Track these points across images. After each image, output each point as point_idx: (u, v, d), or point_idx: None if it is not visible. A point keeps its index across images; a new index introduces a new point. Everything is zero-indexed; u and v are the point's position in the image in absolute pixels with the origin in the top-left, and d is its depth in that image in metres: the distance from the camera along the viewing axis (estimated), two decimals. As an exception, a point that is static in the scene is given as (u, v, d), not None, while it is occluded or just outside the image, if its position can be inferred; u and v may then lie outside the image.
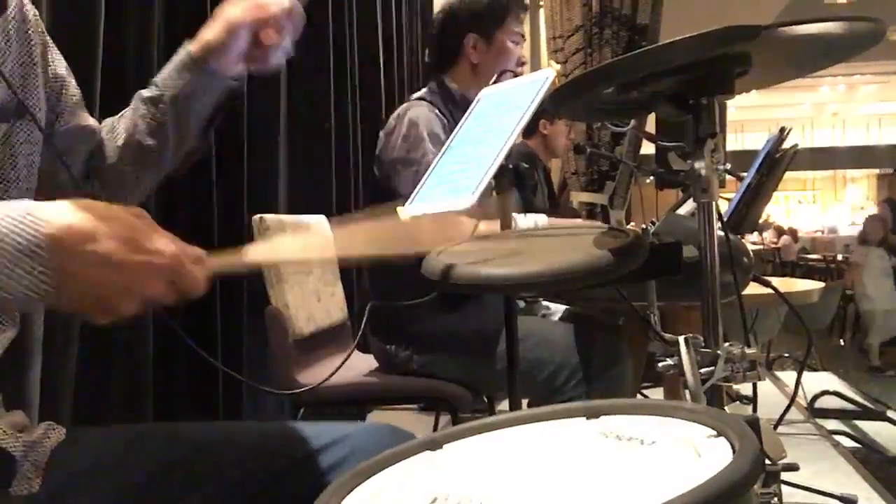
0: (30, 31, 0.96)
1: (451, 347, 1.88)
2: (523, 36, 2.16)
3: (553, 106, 1.10)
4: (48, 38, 1.01)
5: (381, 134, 2.00)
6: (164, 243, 0.70)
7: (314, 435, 0.92)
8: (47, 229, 0.66)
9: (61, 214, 0.67)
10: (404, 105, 2.02)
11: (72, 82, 1.05)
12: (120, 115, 1.09)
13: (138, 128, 1.06)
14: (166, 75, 1.06)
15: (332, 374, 1.42)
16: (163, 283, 0.70)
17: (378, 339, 1.97)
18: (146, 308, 0.70)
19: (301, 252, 0.97)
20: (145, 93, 1.07)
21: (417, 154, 1.86)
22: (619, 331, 1.99)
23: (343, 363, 1.44)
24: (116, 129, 1.08)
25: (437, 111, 1.97)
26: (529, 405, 2.54)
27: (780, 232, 16.14)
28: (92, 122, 1.08)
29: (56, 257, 0.66)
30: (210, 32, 1.04)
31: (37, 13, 1.00)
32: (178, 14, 2.03)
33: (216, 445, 0.90)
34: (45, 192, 0.94)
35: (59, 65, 1.03)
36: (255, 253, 0.83)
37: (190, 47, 1.05)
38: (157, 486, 0.85)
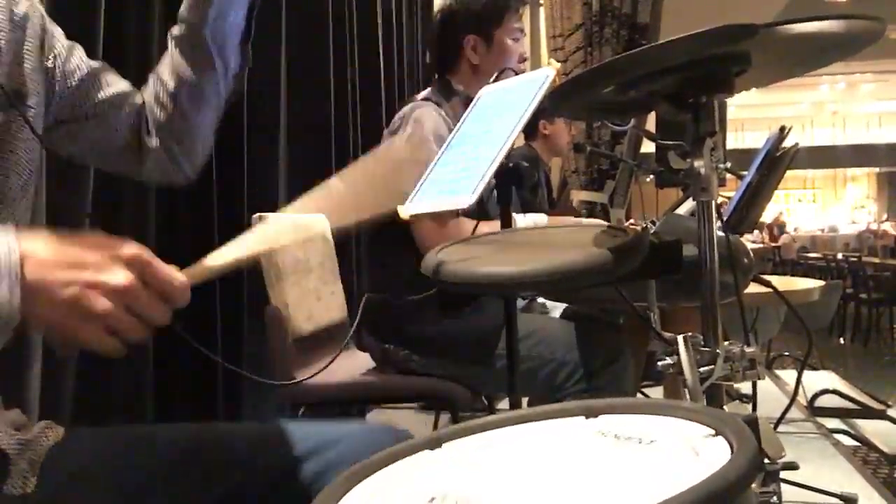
0: (16, 20, 0.95)
1: (450, 349, 1.88)
2: (523, 31, 2.16)
3: (553, 104, 1.10)
4: (48, 24, 1.01)
5: (386, 133, 2.00)
6: (132, 271, 0.70)
7: (313, 435, 0.92)
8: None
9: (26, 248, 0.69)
10: (409, 105, 2.01)
11: (78, 55, 1.05)
12: (160, 64, 1.09)
13: (183, 68, 1.06)
14: (190, 5, 1.05)
15: (329, 363, 1.42)
16: (120, 307, 0.69)
17: (376, 338, 1.97)
18: (115, 340, 0.71)
19: (268, 242, 0.93)
20: (176, 31, 1.07)
21: (420, 155, 1.86)
22: (619, 327, 1.98)
23: (338, 354, 1.44)
24: (162, 78, 1.08)
25: (442, 113, 1.97)
26: (530, 404, 2.54)
27: (769, 229, 16.13)
28: (124, 85, 1.09)
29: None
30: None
31: (38, 12, 0.99)
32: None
33: (214, 447, 0.90)
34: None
35: (61, 45, 1.03)
36: (220, 256, 0.80)
37: None
38: (154, 487, 0.85)
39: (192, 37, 1.05)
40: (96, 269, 0.68)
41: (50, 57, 1.00)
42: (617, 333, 1.95)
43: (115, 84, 1.08)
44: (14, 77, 0.93)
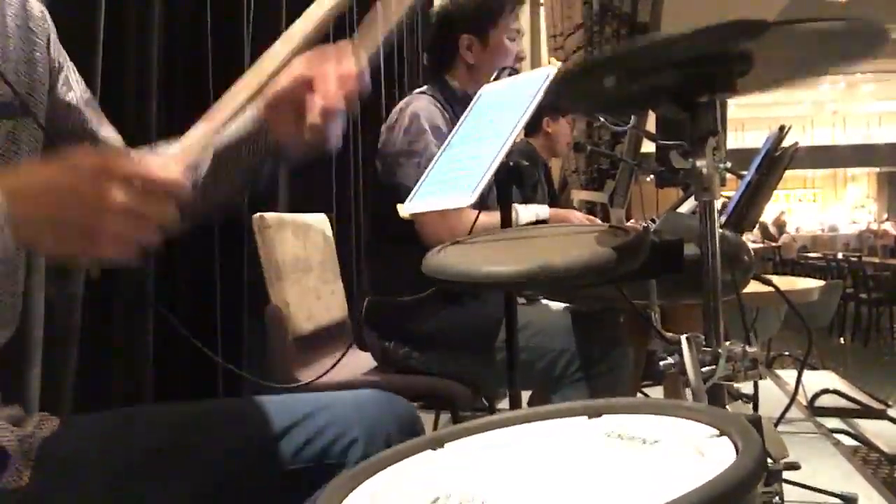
0: (31, 26, 0.96)
1: (450, 344, 1.88)
2: (520, 31, 2.16)
3: (554, 98, 1.10)
4: (54, 34, 1.01)
5: (383, 128, 2.01)
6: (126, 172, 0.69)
7: (301, 402, 0.93)
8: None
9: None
10: (406, 99, 2.02)
11: (74, 78, 1.03)
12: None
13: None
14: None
15: (332, 367, 1.42)
16: (119, 218, 0.68)
17: (376, 336, 1.97)
18: (129, 248, 0.69)
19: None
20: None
21: (419, 146, 1.86)
22: (618, 321, 1.98)
23: (342, 357, 1.44)
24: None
25: (438, 104, 1.98)
26: (530, 403, 2.54)
27: (762, 228, 16.13)
28: (111, 135, 1.06)
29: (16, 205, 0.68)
30: (279, 84, 0.96)
31: (44, 9, 0.99)
32: (178, 14, 2.03)
33: (203, 422, 0.91)
34: None
35: (63, 60, 1.02)
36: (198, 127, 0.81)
37: (259, 106, 0.99)
38: (148, 467, 0.85)
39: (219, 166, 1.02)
40: (82, 188, 0.68)
41: (55, 58, 1.00)
42: (614, 325, 1.95)
43: (107, 129, 1.07)
44: (24, 78, 0.93)
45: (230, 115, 0.81)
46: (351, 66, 0.93)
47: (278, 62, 0.83)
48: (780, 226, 19.14)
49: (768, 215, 19.57)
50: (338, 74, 0.92)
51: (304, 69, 0.93)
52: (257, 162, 1.02)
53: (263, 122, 0.98)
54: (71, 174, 0.69)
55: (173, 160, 0.75)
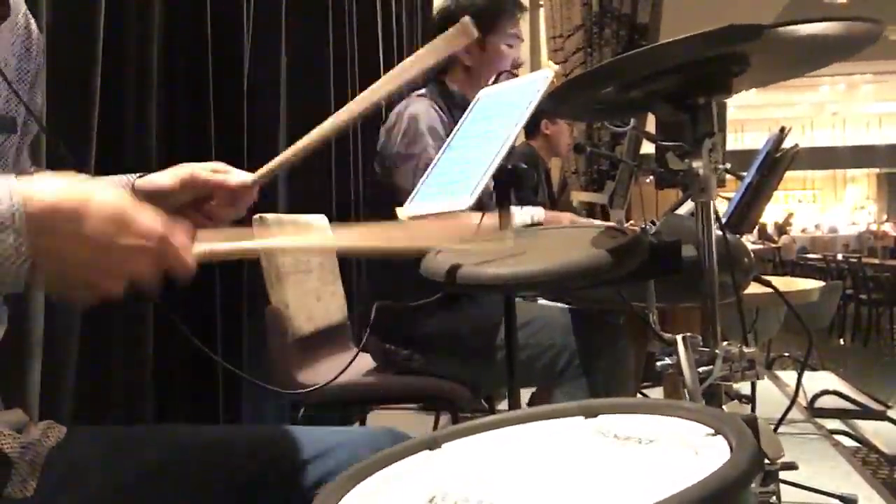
0: (32, 49, 0.96)
1: (450, 345, 1.88)
2: (519, 37, 2.16)
3: (553, 105, 1.10)
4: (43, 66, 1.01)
5: (382, 130, 2.01)
6: (151, 224, 0.70)
7: (312, 440, 0.92)
8: (29, 207, 0.65)
9: (46, 191, 0.67)
10: (404, 101, 2.03)
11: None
12: None
13: None
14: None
15: (337, 376, 1.42)
16: (148, 264, 0.69)
17: (376, 338, 1.97)
18: (131, 286, 0.70)
19: (300, 240, 0.94)
20: None
21: (417, 148, 1.87)
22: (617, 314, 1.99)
23: (349, 365, 1.44)
24: None
25: (436, 107, 1.98)
26: (530, 404, 2.54)
27: (761, 230, 16.13)
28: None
29: (37, 233, 0.65)
30: (163, 177, 0.98)
31: (40, 35, 1.00)
32: (178, 14, 2.04)
33: (211, 449, 0.90)
34: None
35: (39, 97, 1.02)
36: (254, 238, 0.81)
37: (136, 178, 1.00)
38: (150, 488, 0.84)
39: None
40: (115, 255, 0.68)
41: (38, 82, 1.00)
42: (614, 318, 1.95)
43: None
44: (25, 95, 0.93)
45: (265, 249, 0.84)
46: (245, 180, 0.96)
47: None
48: (780, 227, 19.13)
49: (775, 217, 19.62)
50: (233, 186, 0.96)
51: (196, 173, 0.96)
52: None
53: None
54: (122, 232, 0.68)
55: (200, 249, 0.75)
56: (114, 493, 0.83)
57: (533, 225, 2.12)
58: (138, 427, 0.97)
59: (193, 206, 0.97)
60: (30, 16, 0.97)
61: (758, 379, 1.01)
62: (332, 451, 0.90)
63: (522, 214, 2.05)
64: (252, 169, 0.98)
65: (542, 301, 2.18)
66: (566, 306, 1.92)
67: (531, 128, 3.50)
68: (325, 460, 0.89)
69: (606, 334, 1.86)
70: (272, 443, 0.92)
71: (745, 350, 0.98)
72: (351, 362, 1.44)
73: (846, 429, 3.36)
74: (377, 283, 2.02)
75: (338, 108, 0.97)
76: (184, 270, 0.72)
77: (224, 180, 0.96)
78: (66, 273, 0.68)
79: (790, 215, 20.76)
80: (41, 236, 0.66)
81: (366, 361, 2.02)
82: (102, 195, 0.69)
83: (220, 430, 0.98)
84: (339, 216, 2.95)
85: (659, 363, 1.01)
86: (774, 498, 0.93)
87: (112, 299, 0.70)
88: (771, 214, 19.07)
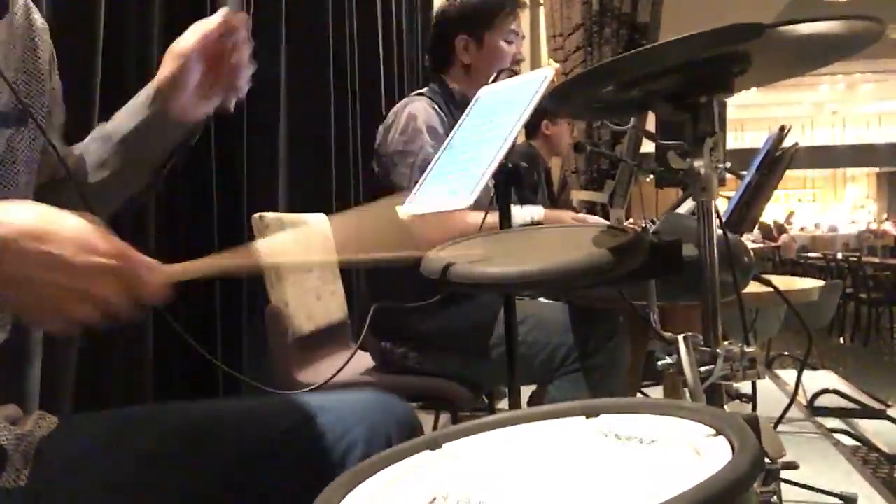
0: (36, 39, 0.96)
1: (447, 343, 1.88)
2: (518, 34, 2.16)
3: (553, 105, 1.10)
4: (53, 53, 1.01)
5: (380, 129, 2.01)
6: (116, 245, 0.70)
7: (301, 404, 0.93)
8: None
9: (10, 216, 0.68)
10: (403, 100, 2.03)
11: (60, 103, 1.03)
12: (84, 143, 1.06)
13: (87, 162, 1.03)
14: (122, 114, 1.03)
15: (335, 374, 1.42)
16: (114, 285, 0.69)
17: (374, 336, 1.97)
18: (103, 317, 0.70)
19: (288, 254, 0.94)
20: (99, 128, 1.04)
21: (415, 146, 1.87)
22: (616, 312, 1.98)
23: (346, 364, 1.44)
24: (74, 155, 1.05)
25: (435, 106, 1.98)
26: (530, 403, 2.54)
27: (765, 230, 16.14)
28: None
29: (1, 255, 0.66)
30: (163, 68, 0.98)
31: (45, 23, 0.99)
32: (178, 14, 2.03)
33: (205, 424, 0.91)
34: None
35: (58, 83, 1.02)
36: (231, 257, 0.80)
37: (149, 88, 1.00)
38: (146, 469, 0.85)
39: (106, 141, 1.02)
40: (80, 275, 0.68)
41: (53, 76, 1.00)
42: (612, 317, 1.95)
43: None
44: (25, 88, 0.93)
45: (239, 264, 0.81)
46: (237, 19, 0.97)
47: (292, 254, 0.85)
48: (780, 226, 19.14)
49: (778, 217, 19.63)
50: (225, 26, 0.97)
51: (185, 47, 0.97)
52: (163, 147, 1.03)
53: (155, 108, 0.99)
54: (80, 253, 0.68)
55: (169, 271, 0.74)
56: (113, 478, 0.83)
57: (532, 224, 2.12)
58: (130, 410, 0.98)
59: (208, 75, 0.97)
60: (31, 7, 0.97)
61: (759, 378, 1.01)
62: (326, 411, 0.92)
63: (522, 213, 2.05)
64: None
65: (541, 300, 2.18)
66: (564, 304, 1.92)
67: (531, 127, 3.50)
68: (319, 421, 0.91)
69: (603, 329, 1.86)
70: (261, 411, 0.94)
71: (747, 349, 0.97)
72: (347, 362, 1.43)
73: (846, 428, 3.36)
74: (376, 283, 2.02)
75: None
76: (153, 292, 0.72)
77: (204, 35, 0.97)
78: (34, 297, 0.68)
79: (791, 214, 20.77)
80: (5, 257, 0.66)
81: (365, 361, 2.02)
82: (67, 220, 0.69)
83: (210, 405, 0.99)
84: (339, 216, 2.94)
85: (660, 362, 1.01)
86: (775, 497, 0.93)
87: (87, 326, 0.70)
88: (772, 214, 19.09)
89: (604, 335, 1.84)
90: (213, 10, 2.26)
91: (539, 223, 2.15)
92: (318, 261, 0.81)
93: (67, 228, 0.69)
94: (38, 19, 0.98)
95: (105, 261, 0.69)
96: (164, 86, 0.98)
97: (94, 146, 1.03)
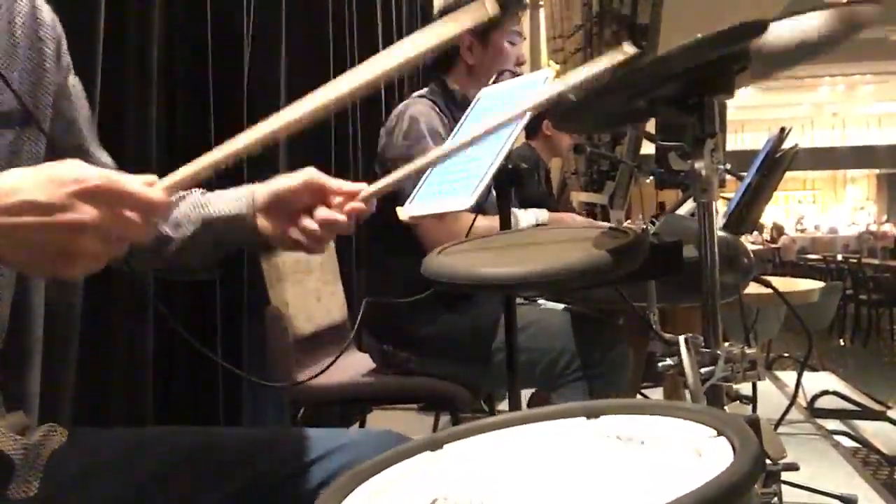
0: (41, 34, 0.95)
1: (448, 347, 1.88)
2: (521, 34, 2.16)
3: (560, 124, 1.10)
4: (64, 42, 0.99)
5: (382, 132, 2.01)
6: (91, 172, 0.66)
7: (314, 441, 0.92)
8: None
9: None
10: (405, 102, 2.02)
11: (80, 94, 1.02)
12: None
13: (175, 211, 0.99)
14: (224, 194, 0.99)
15: (330, 364, 1.42)
16: (103, 208, 0.65)
17: (375, 339, 1.97)
18: (109, 244, 0.66)
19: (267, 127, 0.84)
20: (202, 194, 1.01)
21: (419, 150, 1.86)
22: (618, 325, 1.99)
23: (340, 354, 1.44)
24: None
25: (437, 108, 1.98)
26: (530, 404, 2.54)
27: (778, 230, 16.17)
28: (105, 159, 1.04)
29: None
30: (286, 181, 0.95)
31: (55, 17, 0.99)
32: (178, 14, 2.03)
33: (215, 451, 0.90)
34: None
35: (72, 74, 1.01)
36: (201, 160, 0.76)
37: (257, 192, 0.97)
38: (155, 490, 0.84)
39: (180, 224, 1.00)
40: (59, 209, 0.64)
41: (64, 67, 1.00)
42: (614, 325, 1.95)
43: (101, 152, 1.05)
44: (30, 87, 0.92)
45: (231, 155, 0.77)
46: (360, 187, 0.92)
47: (298, 116, 0.79)
48: (780, 227, 19.15)
49: (784, 220, 19.66)
50: (347, 190, 0.92)
51: (316, 175, 0.93)
52: (236, 245, 1.01)
53: (253, 212, 0.96)
54: (49, 189, 0.65)
55: (162, 183, 0.70)
56: (120, 497, 0.83)
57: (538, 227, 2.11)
58: (141, 430, 0.97)
59: (309, 211, 0.93)
60: (37, 4, 0.96)
61: (759, 380, 1.01)
62: (333, 453, 0.90)
63: (527, 217, 2.05)
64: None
65: (541, 304, 2.18)
66: (566, 311, 1.92)
67: (531, 128, 3.50)
68: (326, 462, 0.89)
69: (606, 338, 1.86)
70: (274, 445, 0.92)
71: (747, 351, 0.98)
72: (341, 353, 1.43)
73: (846, 429, 3.36)
74: (375, 284, 2.02)
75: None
76: (151, 203, 0.68)
77: (340, 184, 0.93)
78: (25, 249, 0.65)
79: (801, 218, 20.81)
80: None
81: (365, 362, 2.02)
82: (36, 169, 0.67)
83: (221, 433, 0.98)
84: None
85: (660, 364, 1.01)
86: (776, 498, 0.93)
87: (101, 259, 0.67)
88: (775, 215, 19.13)
89: (606, 344, 1.84)
90: (213, 11, 2.26)
91: (544, 226, 2.14)
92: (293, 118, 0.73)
93: (35, 174, 0.66)
94: (47, 14, 0.97)
95: (81, 187, 0.65)
96: (277, 196, 0.95)
97: (190, 201, 1.00)
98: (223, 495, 0.86)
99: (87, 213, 0.65)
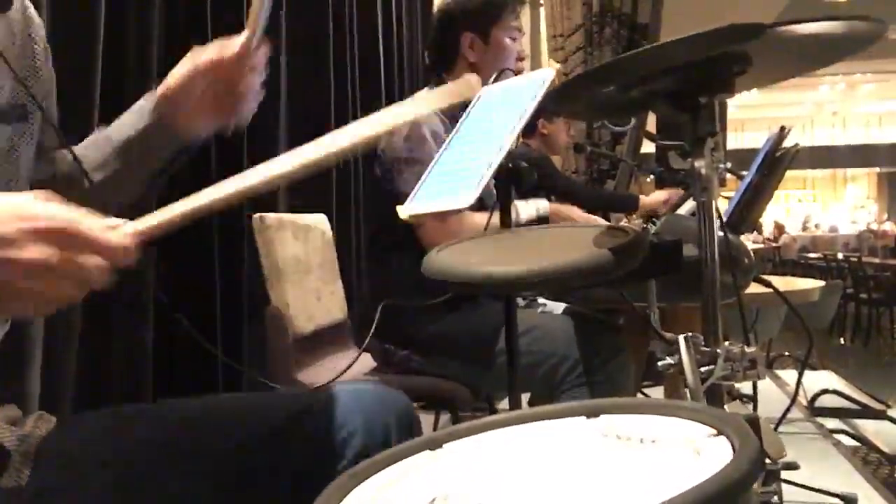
0: (32, 34, 0.96)
1: (450, 348, 1.88)
2: (521, 30, 2.15)
3: (554, 105, 1.10)
4: (48, 49, 1.01)
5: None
6: (58, 211, 0.64)
7: (302, 397, 0.93)
8: None
9: None
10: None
11: (53, 99, 1.02)
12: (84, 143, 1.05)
13: (85, 163, 1.00)
14: (124, 118, 1.01)
15: (341, 373, 1.42)
16: (67, 251, 0.63)
17: (375, 338, 1.96)
18: (68, 287, 0.64)
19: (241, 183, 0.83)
20: (99, 130, 1.03)
21: (420, 154, 1.86)
22: (619, 327, 1.99)
23: (353, 363, 1.44)
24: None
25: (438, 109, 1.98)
26: (530, 404, 2.53)
27: (780, 228, 16.18)
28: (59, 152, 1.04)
29: None
30: (171, 76, 0.97)
31: (41, 22, 0.99)
32: (178, 14, 2.03)
33: (203, 417, 0.91)
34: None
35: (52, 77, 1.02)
36: (174, 207, 0.74)
37: (152, 94, 0.99)
38: (147, 461, 0.85)
39: (104, 146, 1.01)
40: (7, 244, 0.61)
41: (49, 67, 1.00)
42: (616, 332, 1.95)
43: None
44: (29, 84, 0.93)
45: (209, 205, 0.75)
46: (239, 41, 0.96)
47: (277, 173, 0.78)
48: (780, 227, 19.14)
49: (785, 218, 19.67)
50: (230, 53, 0.96)
51: (198, 56, 0.96)
52: (166, 153, 1.02)
53: (158, 116, 0.98)
54: (5, 221, 0.62)
55: (127, 228, 0.68)
56: (113, 475, 0.83)
57: (540, 219, 2.11)
58: (128, 406, 0.97)
59: (215, 94, 0.97)
60: (27, 2, 0.97)
61: (759, 379, 1.01)
62: (319, 405, 0.91)
63: (528, 208, 2.04)
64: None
65: (543, 305, 2.18)
66: (568, 316, 1.92)
67: (528, 126, 3.50)
68: (314, 413, 0.90)
69: (609, 345, 1.86)
70: (262, 406, 0.93)
71: (747, 350, 0.98)
72: (351, 364, 1.44)
73: (846, 428, 3.36)
74: (377, 285, 2.02)
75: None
76: (115, 250, 0.65)
77: (221, 53, 0.96)
78: None
79: (807, 218, 20.83)
80: None
81: (366, 361, 2.02)
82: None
83: (208, 401, 0.99)
84: (339, 216, 2.94)
85: (660, 363, 1.01)
86: (776, 497, 0.93)
87: (58, 302, 0.65)
88: (775, 214, 19.14)
89: (609, 351, 1.84)
90: (212, 11, 2.26)
91: (545, 217, 2.13)
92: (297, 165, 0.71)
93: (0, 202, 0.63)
94: (34, 15, 0.98)
95: (35, 225, 0.62)
96: (166, 94, 0.97)
97: (93, 147, 1.02)
98: (216, 457, 0.86)
99: (36, 252, 0.62)
